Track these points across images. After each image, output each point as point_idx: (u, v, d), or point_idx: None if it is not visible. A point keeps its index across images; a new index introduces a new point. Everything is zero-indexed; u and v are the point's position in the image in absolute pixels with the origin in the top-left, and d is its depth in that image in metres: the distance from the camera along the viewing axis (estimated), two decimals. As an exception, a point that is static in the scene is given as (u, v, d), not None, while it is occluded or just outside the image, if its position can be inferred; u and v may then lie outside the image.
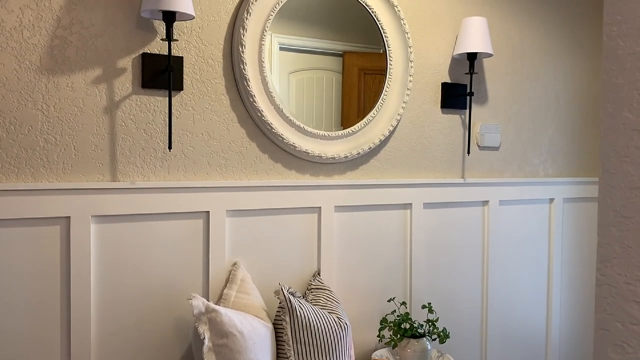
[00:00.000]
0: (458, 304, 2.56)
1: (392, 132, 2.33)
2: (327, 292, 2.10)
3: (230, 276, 1.98)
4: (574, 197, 2.87)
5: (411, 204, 2.38)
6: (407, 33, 2.28)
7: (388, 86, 2.26)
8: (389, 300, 2.30)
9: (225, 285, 1.97)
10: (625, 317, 0.75)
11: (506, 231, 2.68)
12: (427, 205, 2.43)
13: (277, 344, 1.90)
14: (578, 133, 2.90)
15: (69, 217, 1.74)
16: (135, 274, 1.85)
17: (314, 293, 2.09)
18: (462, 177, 2.54)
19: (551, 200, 2.81)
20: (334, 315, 1.99)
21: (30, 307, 1.71)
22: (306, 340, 1.89)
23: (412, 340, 2.15)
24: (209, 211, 1.95)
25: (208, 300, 1.95)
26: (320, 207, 2.17)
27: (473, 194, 2.55)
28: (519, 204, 2.71)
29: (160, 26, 1.87)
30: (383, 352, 2.24)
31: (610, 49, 0.76)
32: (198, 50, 1.93)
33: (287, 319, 1.88)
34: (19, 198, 1.67)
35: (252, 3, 1.95)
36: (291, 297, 1.90)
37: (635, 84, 0.73)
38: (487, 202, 2.60)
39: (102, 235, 1.80)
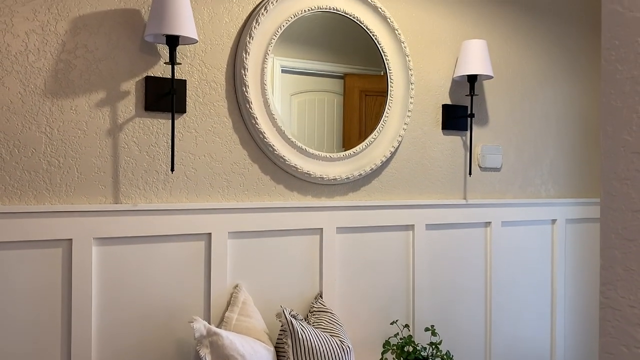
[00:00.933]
0: (461, 326, 2.53)
1: (393, 154, 2.34)
2: (329, 314, 2.08)
3: (232, 298, 1.97)
4: (577, 217, 2.86)
5: (413, 225, 2.38)
6: (407, 56, 2.30)
7: (389, 108, 2.28)
8: (391, 323, 2.28)
9: (227, 308, 1.96)
10: (630, 340, 0.74)
11: (509, 252, 2.66)
12: (429, 227, 2.43)
13: (278, 368, 1.88)
14: (579, 153, 2.90)
15: (71, 239, 1.74)
16: (136, 296, 1.84)
17: (316, 316, 2.08)
18: (464, 198, 2.54)
19: (553, 221, 2.80)
20: (336, 339, 1.97)
21: (31, 329, 1.70)
22: (308, 364, 1.86)
23: (416, 364, 2.13)
24: (210, 233, 1.95)
25: (209, 323, 1.94)
26: (322, 229, 2.17)
27: (475, 215, 2.54)
28: (521, 225, 2.70)
29: (164, 50, 1.89)
30: (386, 375, 2.21)
31: (609, 72, 0.76)
32: (201, 73, 1.95)
33: (289, 342, 1.86)
34: (21, 221, 1.67)
35: (254, 27, 1.98)
36: (293, 320, 1.89)
37: (634, 107, 0.74)
38: (489, 223, 2.59)
39: (104, 258, 1.80)
